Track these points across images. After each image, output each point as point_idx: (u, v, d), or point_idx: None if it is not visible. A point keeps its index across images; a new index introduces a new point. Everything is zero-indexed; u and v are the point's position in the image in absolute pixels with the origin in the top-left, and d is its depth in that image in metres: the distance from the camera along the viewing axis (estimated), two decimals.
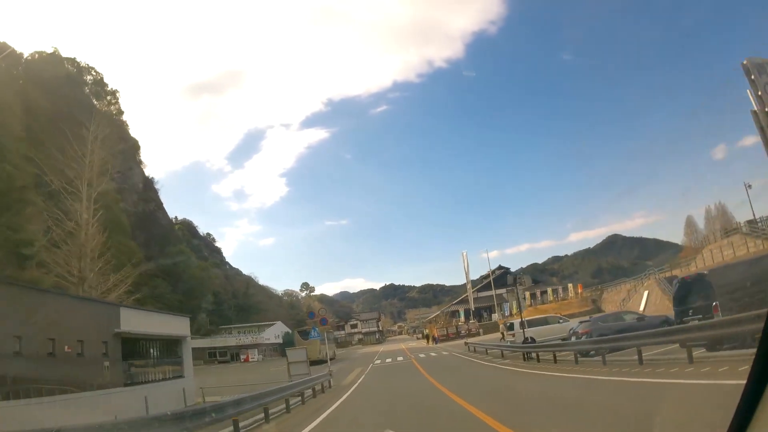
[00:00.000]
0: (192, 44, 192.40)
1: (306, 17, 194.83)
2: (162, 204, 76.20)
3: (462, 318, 55.32)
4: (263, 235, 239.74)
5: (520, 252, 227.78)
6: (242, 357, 54.34)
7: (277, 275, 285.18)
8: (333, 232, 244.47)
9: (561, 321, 23.73)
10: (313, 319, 23.23)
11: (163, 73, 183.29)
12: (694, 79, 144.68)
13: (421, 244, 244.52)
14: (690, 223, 67.58)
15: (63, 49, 75.80)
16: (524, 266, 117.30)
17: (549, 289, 58.56)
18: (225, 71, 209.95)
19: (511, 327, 23.85)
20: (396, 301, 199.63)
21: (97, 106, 74.88)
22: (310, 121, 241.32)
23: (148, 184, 74.58)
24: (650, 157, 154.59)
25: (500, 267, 61.56)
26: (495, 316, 55.35)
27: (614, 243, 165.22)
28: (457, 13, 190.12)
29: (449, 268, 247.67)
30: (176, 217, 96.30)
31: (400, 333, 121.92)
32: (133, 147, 76.06)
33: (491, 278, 57.28)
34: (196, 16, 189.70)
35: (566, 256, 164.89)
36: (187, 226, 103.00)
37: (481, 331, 50.97)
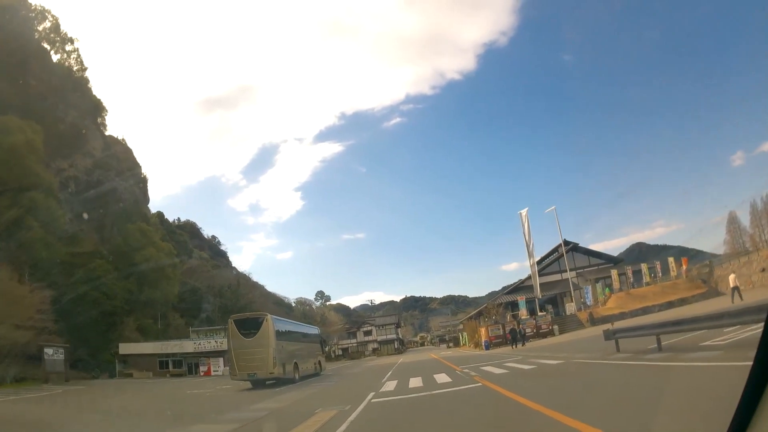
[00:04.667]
0: (203, 60, 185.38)
1: (317, 32, 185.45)
2: (125, 175, 61.38)
3: (523, 310, 37.49)
4: (280, 249, 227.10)
5: None
6: (202, 369, 37.83)
7: (295, 289, 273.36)
8: (350, 246, 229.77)
9: None
10: None
11: (175, 88, 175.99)
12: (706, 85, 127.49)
13: (440, 255, 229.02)
14: (733, 220, 53.50)
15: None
16: None
17: (643, 266, 40.26)
18: (237, 86, 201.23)
19: None
20: (417, 313, 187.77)
21: (56, 60, 62.05)
22: (324, 135, 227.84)
23: (110, 149, 60.02)
24: (662, 163, 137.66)
25: (566, 242, 43.68)
26: (571, 307, 37.34)
27: (639, 251, 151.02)
28: (467, 24, 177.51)
29: (471, 279, 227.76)
30: (178, 218, 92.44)
31: (423, 344, 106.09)
32: (94, 107, 62.22)
33: (563, 250, 39.27)
34: (207, 34, 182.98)
35: None
36: (190, 228, 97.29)
37: (555, 328, 33.28)
